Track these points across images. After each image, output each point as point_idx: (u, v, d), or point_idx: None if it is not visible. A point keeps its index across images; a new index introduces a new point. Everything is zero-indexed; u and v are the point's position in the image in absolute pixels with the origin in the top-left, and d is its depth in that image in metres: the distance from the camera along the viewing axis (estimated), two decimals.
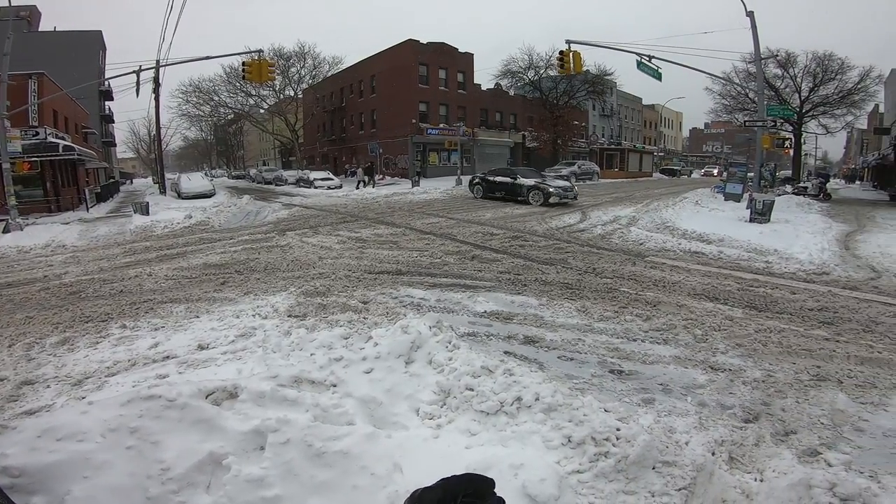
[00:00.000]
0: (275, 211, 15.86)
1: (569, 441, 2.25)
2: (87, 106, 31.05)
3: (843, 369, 3.76)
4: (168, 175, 29.63)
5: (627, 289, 6.01)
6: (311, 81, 40.42)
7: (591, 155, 44.45)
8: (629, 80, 52.74)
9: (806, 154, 38.86)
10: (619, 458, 2.14)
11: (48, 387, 3.44)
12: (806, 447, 2.72)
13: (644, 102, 57.80)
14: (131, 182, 49.18)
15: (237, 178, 48.63)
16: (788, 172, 30.77)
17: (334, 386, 2.56)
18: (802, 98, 29.04)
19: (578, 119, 42.72)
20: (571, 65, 15.73)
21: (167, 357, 3.93)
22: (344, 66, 40.11)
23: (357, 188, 24.77)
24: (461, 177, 26.41)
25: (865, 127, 42.33)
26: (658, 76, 16.16)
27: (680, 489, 2.10)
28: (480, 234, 10.11)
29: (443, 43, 34.97)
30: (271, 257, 8.00)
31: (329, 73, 40.43)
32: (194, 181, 24.80)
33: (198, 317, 4.98)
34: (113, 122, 42.85)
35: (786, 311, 5.24)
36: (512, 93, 40.30)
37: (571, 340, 4.32)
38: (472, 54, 36.91)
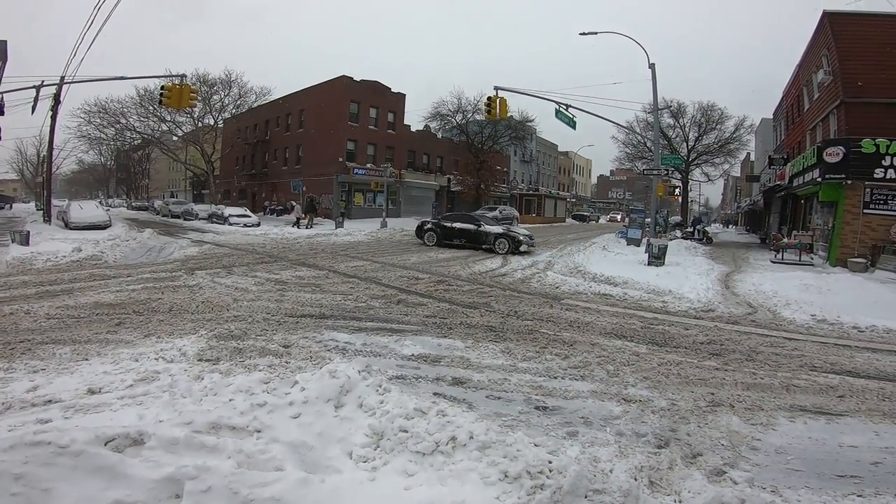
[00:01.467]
0: (182, 248, 14.53)
1: (505, 476, 2.28)
2: None
3: (734, 395, 4.22)
4: (55, 201, 26.37)
5: (547, 330, 6.32)
6: (234, 111, 38.74)
7: (511, 200, 46.74)
8: (546, 128, 57.08)
9: (692, 200, 44.07)
10: (553, 490, 2.19)
11: None
12: (712, 467, 2.97)
13: (560, 149, 62.40)
14: (10, 207, 42.97)
15: (139, 209, 44.43)
16: (679, 218, 34.58)
17: (258, 431, 2.38)
18: (689, 147, 33.05)
19: (501, 164, 44.99)
20: (498, 110, 16.69)
21: (49, 401, 3.41)
22: (272, 98, 39.01)
23: (295, 226, 23.17)
24: (386, 219, 26.29)
25: (739, 174, 48.08)
26: (573, 125, 17.65)
27: None
28: (406, 278, 10.13)
29: (376, 81, 35.25)
30: (178, 298, 7.33)
31: (255, 104, 39.04)
32: (86, 210, 22.06)
33: (87, 359, 4.40)
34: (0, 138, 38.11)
35: (682, 345, 5.84)
36: (440, 135, 41.42)
37: (498, 380, 4.43)
38: (405, 94, 37.58)
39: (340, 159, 32.75)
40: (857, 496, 2.64)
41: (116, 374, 3.99)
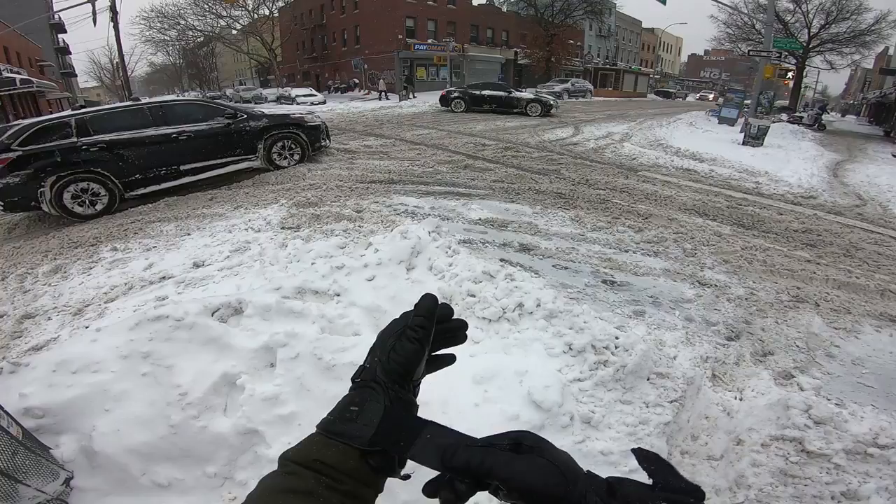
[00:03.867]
0: None
1: (570, 349, 2.28)
2: (38, 40, 29.43)
3: (822, 292, 3.81)
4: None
5: (620, 200, 6.01)
6: None
7: (585, 73, 42.89)
8: (631, 2, 49.48)
9: (806, 87, 37.92)
10: (617, 368, 2.18)
11: (49, 319, 3.37)
12: (782, 369, 2.80)
13: (644, 26, 55.20)
14: None
15: (213, 98, 46.06)
16: (785, 102, 30.14)
17: (338, 295, 2.54)
18: (811, 34, 27.82)
19: (574, 38, 40.74)
20: None
21: (163, 278, 3.85)
22: None
23: (381, 99, 25.03)
24: (415, 95, 26.05)
25: (871, 67, 41.39)
26: (663, 0, 15.16)
27: (672, 401, 2.16)
28: (472, 144, 9.87)
29: None
30: (257, 168, 7.72)
31: None
32: None
33: (189, 234, 4.87)
34: (70, 53, 40.35)
35: (772, 230, 5.33)
36: (505, 9, 37.98)
37: (565, 249, 4.36)
38: None
39: (400, 36, 31.13)
40: None
41: (215, 246, 4.41)
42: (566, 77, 35.96)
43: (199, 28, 38.96)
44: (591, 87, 35.44)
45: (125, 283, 3.79)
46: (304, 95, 26.57)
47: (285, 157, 8.15)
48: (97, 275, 4.04)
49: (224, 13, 35.89)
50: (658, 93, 52.06)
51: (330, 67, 38.79)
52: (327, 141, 8.94)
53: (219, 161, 7.55)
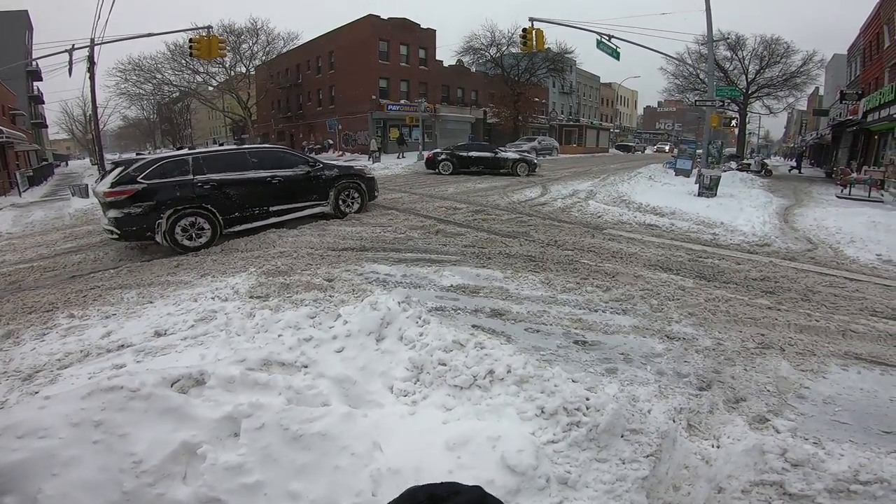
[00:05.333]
0: None
1: (542, 412, 2.30)
2: (14, 87, 29.20)
3: (785, 337, 3.95)
4: (108, 156, 27.78)
5: (588, 260, 6.18)
6: (264, 58, 39.00)
7: (550, 131, 45.14)
8: (588, 59, 53.90)
9: (750, 133, 41.01)
10: (590, 427, 2.19)
11: None
12: (755, 414, 2.85)
13: (602, 81, 58.96)
14: (66, 164, 46.02)
15: None
16: (733, 150, 32.44)
17: (306, 367, 2.51)
18: (749, 80, 30.58)
19: (539, 96, 43.15)
20: (534, 42, 15.73)
21: (122, 346, 3.73)
22: (300, 42, 38.92)
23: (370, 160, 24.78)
24: (423, 152, 26.48)
25: (805, 108, 44.93)
26: (616, 56, 16.46)
27: (648, 456, 2.18)
28: (444, 208, 10.09)
29: (404, 18, 34.50)
30: (228, 236, 7.68)
31: (284, 50, 39.10)
32: None
33: (152, 302, 4.74)
34: (43, 102, 40.38)
35: (732, 280, 5.54)
36: (474, 69, 40.19)
37: (537, 312, 4.41)
38: (435, 30, 36.47)
39: (373, 97, 32.40)
40: None
41: (179, 315, 4.30)
42: (533, 135, 37.72)
43: (175, 83, 39.52)
44: (556, 144, 37.17)
45: (81, 351, 3.67)
46: None
47: (349, 205, 9.19)
48: (51, 341, 3.90)
49: (201, 69, 36.62)
50: (619, 147, 55.18)
51: (305, 127, 39.72)
52: (376, 193, 9.98)
53: (299, 204, 8.45)
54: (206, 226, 7.15)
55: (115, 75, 36.32)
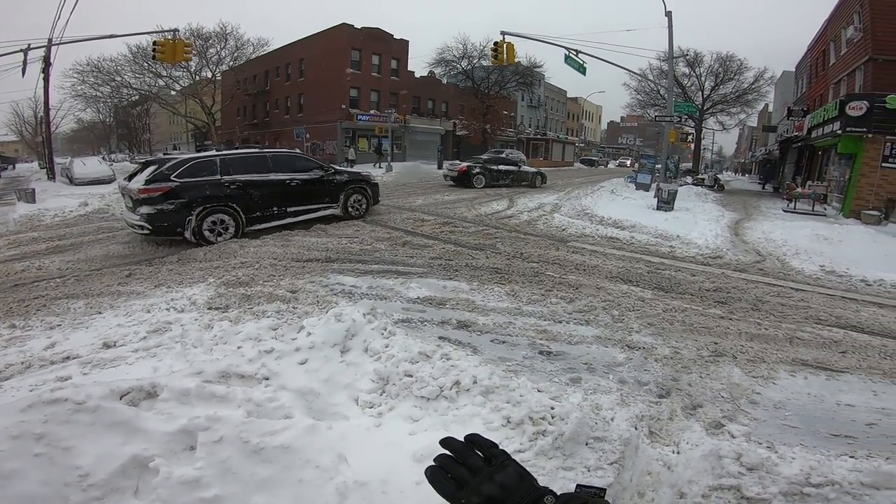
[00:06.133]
0: None
1: (508, 422, 2.31)
2: None
3: (737, 345, 4.16)
4: (58, 159, 26.32)
5: (552, 272, 6.30)
6: (232, 63, 37.87)
7: (518, 144, 45.97)
8: (556, 74, 55.30)
9: (704, 148, 43.16)
10: (555, 436, 2.21)
11: None
12: (712, 420, 2.96)
13: (568, 95, 60.58)
14: (13, 167, 43.33)
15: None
16: (689, 165, 33.97)
17: (267, 379, 2.43)
18: (705, 96, 32.18)
19: (508, 109, 43.90)
20: (505, 55, 16.06)
21: (67, 357, 3.51)
22: (270, 49, 38.13)
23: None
24: (391, 163, 26.45)
25: (756, 124, 47.38)
26: (583, 71, 17.01)
27: (612, 463, 2.21)
28: (411, 220, 10.08)
29: (378, 28, 34.42)
30: (185, 246, 7.40)
31: (253, 56, 38.13)
32: (90, 165, 22.07)
33: (100, 313, 4.50)
34: None
35: (687, 291, 5.79)
36: (445, 81, 40.49)
37: (502, 324, 4.45)
38: (408, 41, 36.61)
39: (343, 106, 32.20)
40: (850, 457, 2.58)
41: (130, 326, 4.09)
42: (501, 148, 38.34)
43: (135, 86, 38.06)
44: (524, 157, 37.85)
45: (22, 363, 3.44)
46: None
47: (357, 208, 9.90)
48: None
49: (164, 73, 35.36)
50: (583, 161, 56.90)
51: (271, 135, 38.96)
52: (379, 199, 10.67)
53: (313, 206, 9.09)
54: (231, 224, 7.72)
55: (71, 77, 34.68)
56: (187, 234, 7.28)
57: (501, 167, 18.61)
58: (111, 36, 16.26)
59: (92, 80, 35.55)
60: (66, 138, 67.30)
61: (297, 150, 11.64)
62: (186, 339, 3.52)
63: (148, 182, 7.18)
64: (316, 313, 4.05)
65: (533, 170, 20.10)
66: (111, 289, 5.27)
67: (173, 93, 39.67)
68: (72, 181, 20.38)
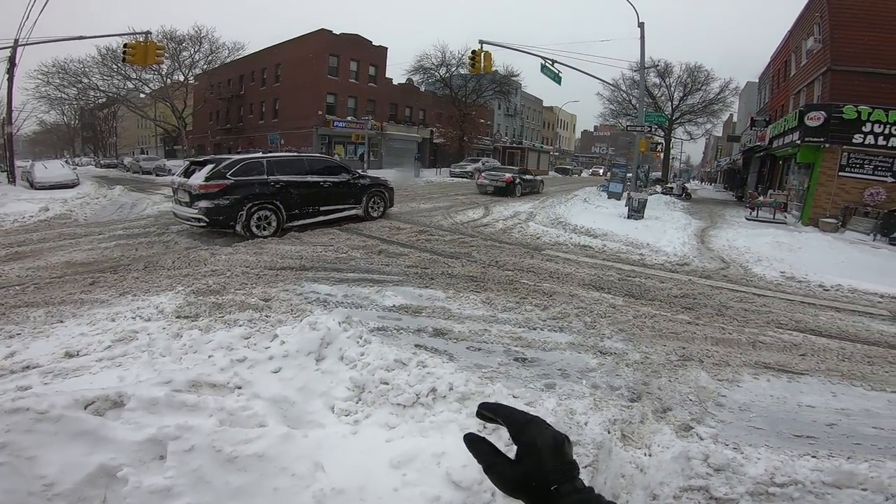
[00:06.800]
0: (156, 203, 14.12)
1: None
2: None
3: (703, 349, 4.31)
4: (19, 162, 25.17)
5: (527, 280, 6.39)
6: (205, 67, 36.95)
7: (494, 152, 46.37)
8: (532, 83, 56.04)
9: (673, 157, 44.50)
10: None
11: None
12: (681, 422, 3.06)
13: (544, 104, 61.59)
14: None
15: (107, 166, 42.73)
16: (659, 174, 34.95)
17: (239, 388, 2.39)
18: (674, 106, 33.22)
19: (485, 117, 44.26)
20: (482, 64, 16.22)
21: (27, 367, 3.36)
22: (246, 53, 37.45)
23: None
24: (368, 170, 26.48)
25: (721, 134, 49.03)
26: (558, 80, 17.36)
27: (586, 466, 2.25)
28: (387, 228, 10.05)
29: (357, 34, 34.36)
30: (152, 254, 7.19)
31: (228, 59, 37.35)
32: (52, 169, 21.11)
33: (62, 322, 4.32)
34: None
35: (657, 298, 5.97)
36: (423, 89, 40.58)
37: (478, 331, 4.49)
38: (387, 48, 36.62)
39: (320, 112, 31.94)
40: (812, 457, 2.69)
41: (93, 335, 3.95)
42: (477, 156, 38.61)
43: (102, 88, 36.80)
44: (499, 165, 38.21)
45: None
46: None
47: (376, 210, 10.93)
48: None
49: (133, 75, 34.35)
50: (558, 170, 57.86)
51: (244, 140, 38.17)
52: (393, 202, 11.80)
53: (340, 206, 10.05)
54: (273, 220, 8.57)
55: (35, 77, 33.31)
56: (238, 228, 8.12)
57: (527, 177, 20.60)
58: (81, 37, 15.74)
59: (57, 81, 34.32)
60: (28, 140, 64.51)
61: (327, 155, 12.48)
62: (154, 349, 3.42)
63: (207, 179, 8.03)
64: (290, 322, 4.00)
65: (539, 178, 22.84)
66: (73, 297, 5.07)
67: (143, 96, 38.59)
68: (33, 185, 19.51)
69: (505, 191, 18.46)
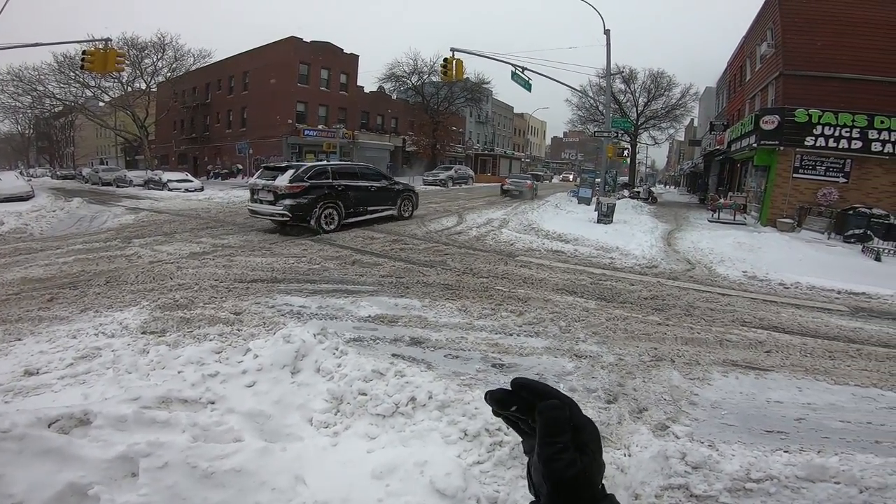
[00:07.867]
0: (116, 216, 13.57)
1: (466, 434, 2.33)
2: None
3: (674, 349, 4.42)
4: None
5: (502, 287, 6.44)
6: (169, 74, 35.69)
7: (466, 160, 46.63)
8: (503, 90, 56.59)
9: (639, 162, 45.80)
10: (512, 446, 2.25)
11: None
12: (657, 422, 3.11)
13: (515, 111, 62.27)
14: None
15: (65, 177, 40.91)
16: (626, 179, 35.92)
17: (213, 403, 2.32)
18: (639, 111, 34.22)
19: (457, 125, 44.52)
20: (454, 72, 16.34)
21: None
22: (213, 60, 36.41)
23: None
24: (521, 180, 27.20)
25: (683, 138, 50.57)
26: (529, 87, 17.62)
27: None
28: (361, 238, 9.98)
29: (328, 42, 34.08)
30: (114, 268, 6.90)
31: (193, 67, 36.31)
32: (5, 181, 19.95)
33: (20, 339, 4.10)
34: None
35: (627, 300, 6.11)
36: (395, 97, 40.47)
37: (455, 339, 4.50)
38: (358, 56, 36.36)
39: (290, 121, 31.42)
40: (784, 451, 2.72)
41: (54, 352, 3.77)
42: (450, 164, 38.73)
43: (59, 97, 35.09)
44: (472, 173, 38.41)
45: None
46: (178, 181, 24.19)
47: (406, 211, 12.94)
48: None
49: (92, 83, 32.94)
50: (534, 176, 58.63)
51: (211, 150, 37.16)
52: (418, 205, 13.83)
53: (381, 208, 12.00)
54: (336, 216, 10.45)
55: None
56: (312, 223, 9.88)
57: (537, 182, 25.03)
58: (37, 44, 15.06)
59: (11, 89, 32.60)
60: None
61: (371, 164, 14.89)
62: (119, 365, 3.29)
63: (291, 181, 9.82)
64: (263, 335, 3.91)
65: (537, 183, 26.09)
66: (31, 314, 4.83)
67: (102, 104, 37.02)
68: None
69: (525, 195, 22.65)
